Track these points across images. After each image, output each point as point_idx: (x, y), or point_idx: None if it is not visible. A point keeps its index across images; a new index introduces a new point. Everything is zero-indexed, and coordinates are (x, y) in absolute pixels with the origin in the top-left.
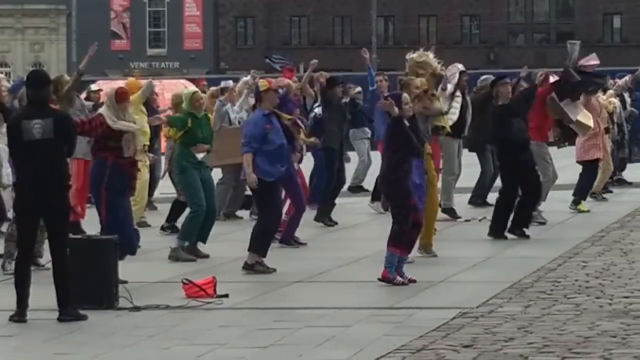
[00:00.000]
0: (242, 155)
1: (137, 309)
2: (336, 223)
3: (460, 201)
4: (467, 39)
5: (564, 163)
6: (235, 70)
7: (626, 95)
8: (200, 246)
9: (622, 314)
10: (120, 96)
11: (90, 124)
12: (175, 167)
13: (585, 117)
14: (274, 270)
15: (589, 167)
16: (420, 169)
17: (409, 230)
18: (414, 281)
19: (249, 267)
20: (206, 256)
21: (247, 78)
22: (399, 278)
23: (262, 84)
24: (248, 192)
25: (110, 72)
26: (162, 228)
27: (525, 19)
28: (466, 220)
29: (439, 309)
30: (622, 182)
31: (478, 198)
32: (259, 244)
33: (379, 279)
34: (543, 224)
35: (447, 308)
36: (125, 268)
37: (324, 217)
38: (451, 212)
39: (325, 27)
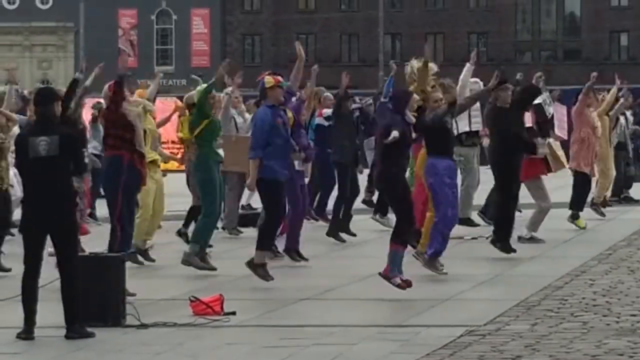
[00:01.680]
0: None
1: (144, 326)
2: (353, 234)
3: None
4: None
5: (567, 181)
6: (242, 88)
7: (628, 113)
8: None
9: (629, 332)
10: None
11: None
12: (197, 167)
13: (563, 156)
14: (272, 279)
15: (579, 179)
16: (451, 169)
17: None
18: (410, 284)
19: (254, 266)
20: (214, 268)
21: (229, 90)
22: (397, 279)
23: (268, 80)
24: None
25: None
26: (179, 233)
27: (532, 37)
28: (473, 238)
29: (446, 327)
30: (629, 200)
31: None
32: (265, 242)
33: (379, 274)
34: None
35: (454, 326)
36: (132, 284)
37: (336, 232)
38: (468, 222)
39: (332, 44)
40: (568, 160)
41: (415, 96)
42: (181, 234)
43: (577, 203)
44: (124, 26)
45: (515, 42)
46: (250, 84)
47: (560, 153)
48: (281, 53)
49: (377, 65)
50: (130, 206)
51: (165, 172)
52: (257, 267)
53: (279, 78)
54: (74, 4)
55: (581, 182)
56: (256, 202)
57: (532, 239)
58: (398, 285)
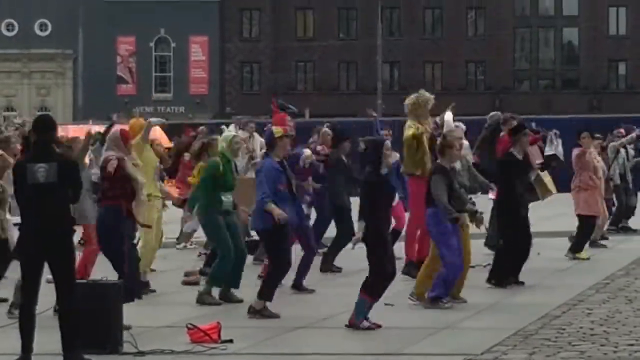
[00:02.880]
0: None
1: (141, 353)
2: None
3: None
4: (472, 85)
5: (560, 211)
6: (241, 115)
7: (629, 147)
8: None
9: None
10: (126, 136)
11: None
12: (200, 213)
13: (550, 182)
14: (277, 316)
15: (586, 223)
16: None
17: (384, 279)
18: (379, 326)
19: (255, 312)
20: (240, 301)
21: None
22: (365, 323)
23: (277, 130)
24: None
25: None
26: (201, 273)
27: (530, 65)
28: (471, 267)
29: (444, 356)
30: (627, 230)
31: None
32: (266, 291)
33: (346, 325)
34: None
35: (451, 354)
36: (131, 312)
37: (330, 265)
38: None
39: (330, 72)
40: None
41: (388, 143)
42: (203, 273)
43: (578, 245)
44: (123, 53)
45: (514, 71)
46: (248, 112)
47: (548, 179)
48: (280, 80)
49: (375, 93)
50: (134, 255)
51: (165, 204)
52: (257, 313)
53: (287, 128)
54: (72, 31)
55: (586, 226)
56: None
57: None
58: (368, 328)
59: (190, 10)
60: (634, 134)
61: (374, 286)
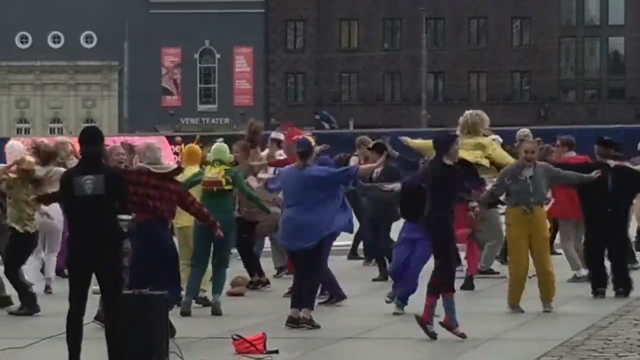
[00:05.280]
0: None
1: None
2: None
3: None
4: (517, 95)
5: None
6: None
7: None
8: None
9: None
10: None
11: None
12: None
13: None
14: (319, 326)
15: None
16: None
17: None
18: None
19: (295, 322)
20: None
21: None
22: (458, 329)
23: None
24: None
25: (160, 127)
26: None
27: (576, 75)
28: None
29: None
30: None
31: None
32: (311, 299)
33: (440, 323)
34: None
35: None
36: (176, 323)
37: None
38: (490, 272)
39: (375, 83)
40: None
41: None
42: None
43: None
44: (168, 65)
45: (559, 81)
46: (293, 123)
47: None
48: (324, 91)
49: (419, 104)
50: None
51: None
52: (300, 321)
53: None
54: (118, 43)
55: None
56: None
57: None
58: (461, 335)
59: (235, 22)
60: None
61: (444, 281)
